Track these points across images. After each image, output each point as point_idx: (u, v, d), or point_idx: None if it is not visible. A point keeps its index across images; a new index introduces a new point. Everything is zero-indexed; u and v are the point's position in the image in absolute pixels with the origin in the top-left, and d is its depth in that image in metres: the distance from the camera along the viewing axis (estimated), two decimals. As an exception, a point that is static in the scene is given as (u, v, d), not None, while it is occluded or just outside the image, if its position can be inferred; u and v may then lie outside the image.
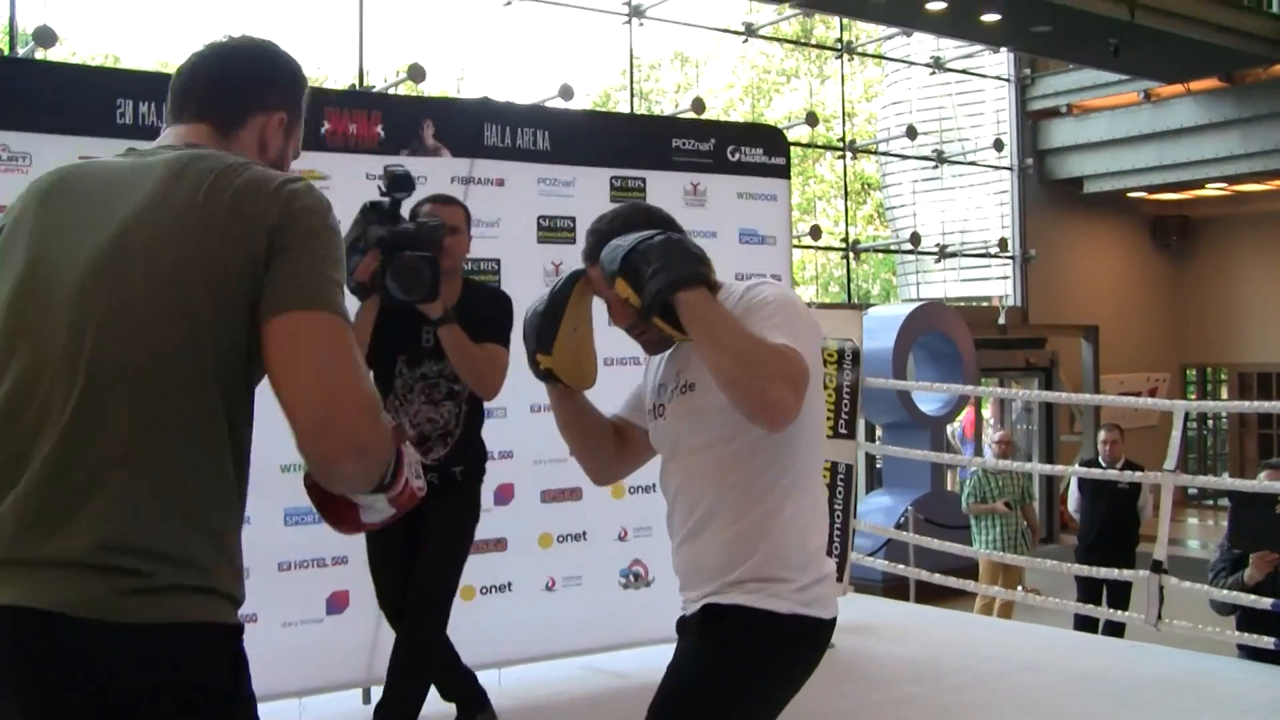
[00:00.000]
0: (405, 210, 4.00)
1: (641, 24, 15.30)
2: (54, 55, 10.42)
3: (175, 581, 1.88)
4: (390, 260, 3.77)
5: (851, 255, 18.86)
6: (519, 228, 5.65)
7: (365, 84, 13.17)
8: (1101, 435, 9.75)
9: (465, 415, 4.41)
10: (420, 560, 4.41)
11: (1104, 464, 9.54)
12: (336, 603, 5.17)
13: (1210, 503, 22.38)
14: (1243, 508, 6.81)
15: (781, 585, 2.72)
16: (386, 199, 3.85)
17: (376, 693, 5.30)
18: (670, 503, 2.93)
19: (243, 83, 2.31)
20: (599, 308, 2.88)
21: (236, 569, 2.01)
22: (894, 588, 10.84)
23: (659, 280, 2.58)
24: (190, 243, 1.98)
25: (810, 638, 2.81)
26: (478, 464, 4.54)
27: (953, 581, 8.21)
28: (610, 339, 3.10)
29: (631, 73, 16.99)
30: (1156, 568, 6.89)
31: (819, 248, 19.94)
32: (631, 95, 17.37)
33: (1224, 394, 22.48)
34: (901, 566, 8.78)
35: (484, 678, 5.63)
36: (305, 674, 5.11)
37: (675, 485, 2.89)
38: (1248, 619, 6.67)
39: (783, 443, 2.72)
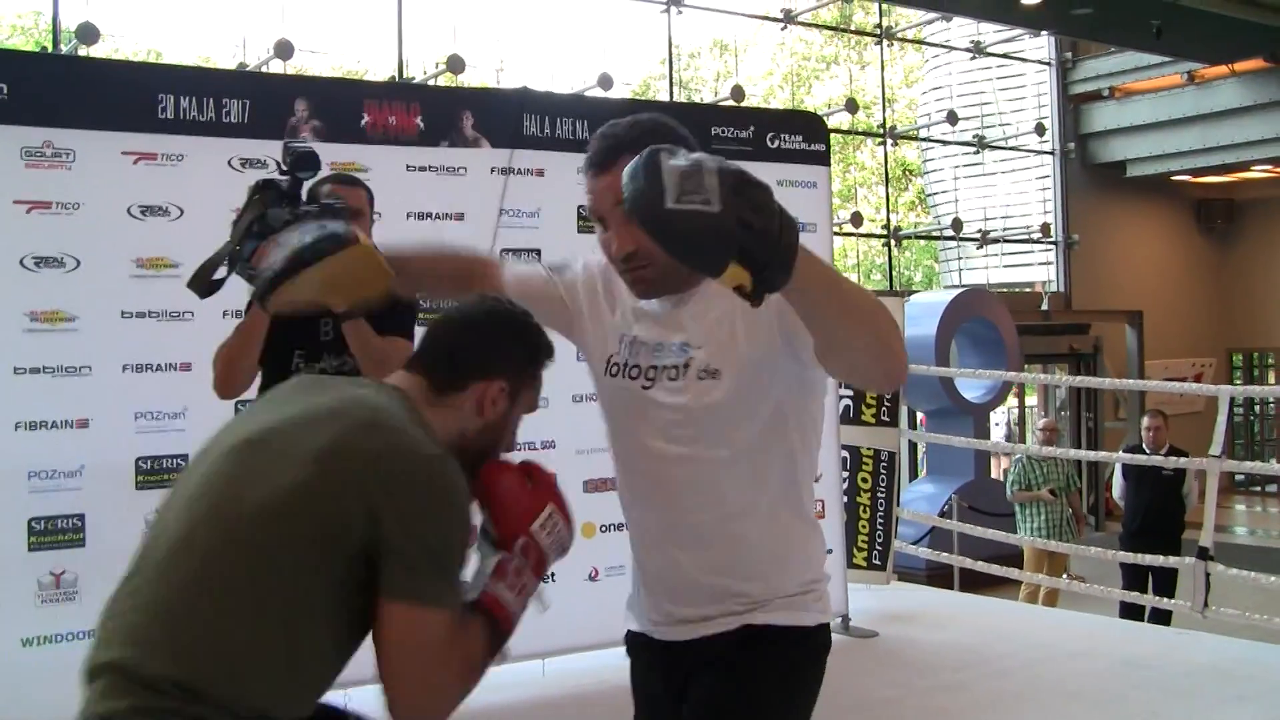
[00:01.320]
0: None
1: (680, 12, 15.27)
2: (96, 52, 10.48)
3: None
4: None
5: (893, 242, 18.79)
6: (559, 218, 5.66)
7: (405, 75, 13.21)
8: (1145, 421, 9.69)
9: None
10: None
11: (1148, 450, 9.48)
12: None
13: (1258, 489, 22.21)
14: None
15: (804, 597, 2.51)
16: (286, 178, 3.58)
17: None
18: (643, 495, 2.57)
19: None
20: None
21: None
22: (938, 576, 10.81)
23: (780, 249, 1.86)
24: None
25: (829, 640, 2.59)
26: None
27: (997, 569, 8.19)
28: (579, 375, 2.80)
29: (671, 61, 16.95)
30: (1203, 554, 6.85)
31: (860, 235, 19.86)
32: (670, 84, 17.33)
33: (1271, 379, 22.28)
34: (945, 555, 8.76)
35: (528, 668, 5.66)
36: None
37: (658, 478, 2.51)
38: None
39: (796, 440, 2.46)
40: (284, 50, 11.94)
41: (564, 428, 5.55)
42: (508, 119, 5.62)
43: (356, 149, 5.15)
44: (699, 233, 1.83)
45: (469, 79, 13.67)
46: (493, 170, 5.51)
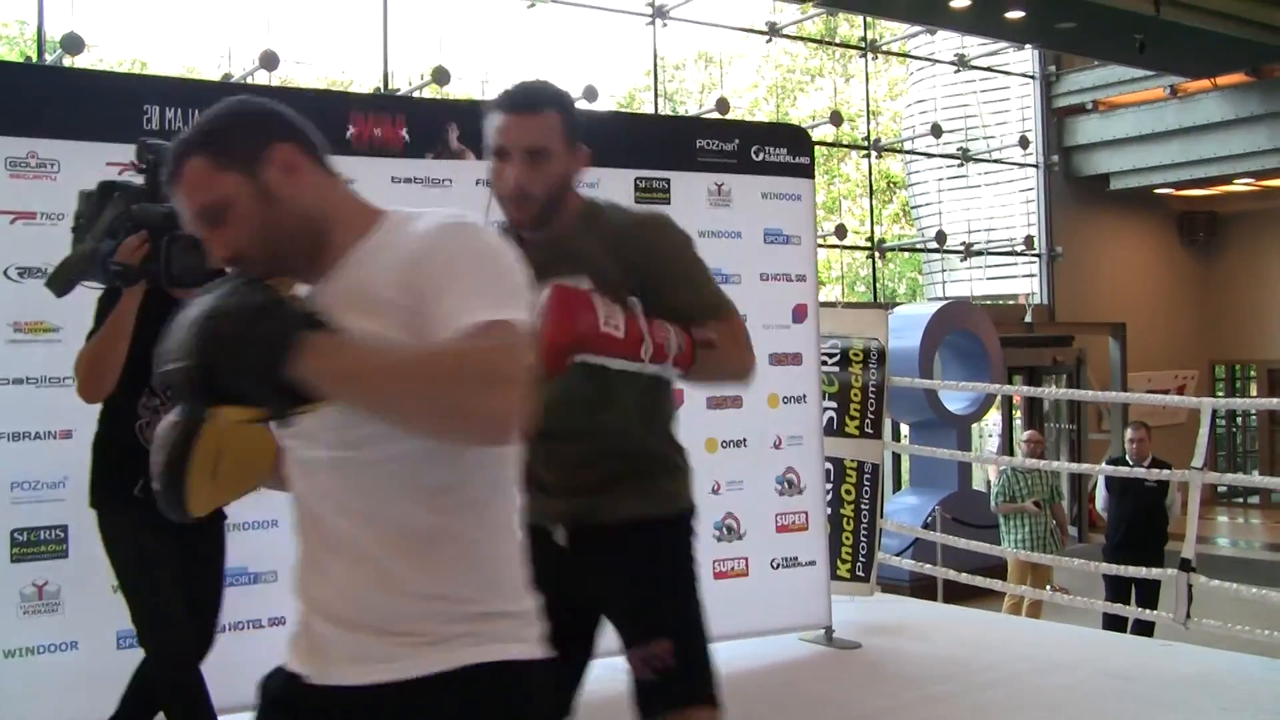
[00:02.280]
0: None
1: (665, 25, 15.31)
2: (81, 62, 10.48)
3: None
4: (170, 242, 3.36)
5: (877, 254, 18.84)
6: (543, 230, 5.67)
7: (390, 87, 13.22)
8: (1128, 433, 9.71)
9: None
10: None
11: (1131, 462, 9.50)
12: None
13: (1240, 500, 22.28)
14: None
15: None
16: (143, 177, 3.47)
17: None
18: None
19: None
20: None
21: None
22: (921, 587, 10.82)
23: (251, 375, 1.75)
24: None
25: None
26: None
27: (980, 581, 8.20)
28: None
29: (656, 73, 16.99)
30: (1185, 566, 6.87)
31: (844, 247, 19.89)
32: (655, 96, 17.36)
33: (1253, 391, 22.36)
34: (929, 566, 8.76)
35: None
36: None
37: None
38: None
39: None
40: (269, 61, 11.95)
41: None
42: (493, 131, 5.63)
43: (342, 161, 5.13)
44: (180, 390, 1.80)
45: (454, 91, 13.68)
46: (478, 182, 5.49)
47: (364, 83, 20.51)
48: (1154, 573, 7.69)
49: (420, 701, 1.95)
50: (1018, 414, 19.95)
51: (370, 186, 5.13)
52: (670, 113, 24.30)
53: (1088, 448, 19.38)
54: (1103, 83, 19.37)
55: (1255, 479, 14.70)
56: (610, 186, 5.76)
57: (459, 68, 15.39)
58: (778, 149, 6.30)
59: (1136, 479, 9.14)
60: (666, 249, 2.98)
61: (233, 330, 1.73)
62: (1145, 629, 8.70)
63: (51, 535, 4.79)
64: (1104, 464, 10.89)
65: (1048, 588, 10.04)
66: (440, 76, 13.02)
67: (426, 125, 5.48)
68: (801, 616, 6.39)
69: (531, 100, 2.92)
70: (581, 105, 12.99)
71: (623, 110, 21.64)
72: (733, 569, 6.02)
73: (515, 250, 2.00)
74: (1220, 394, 22.05)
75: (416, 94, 13.48)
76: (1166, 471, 8.66)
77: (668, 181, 5.94)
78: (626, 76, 26.97)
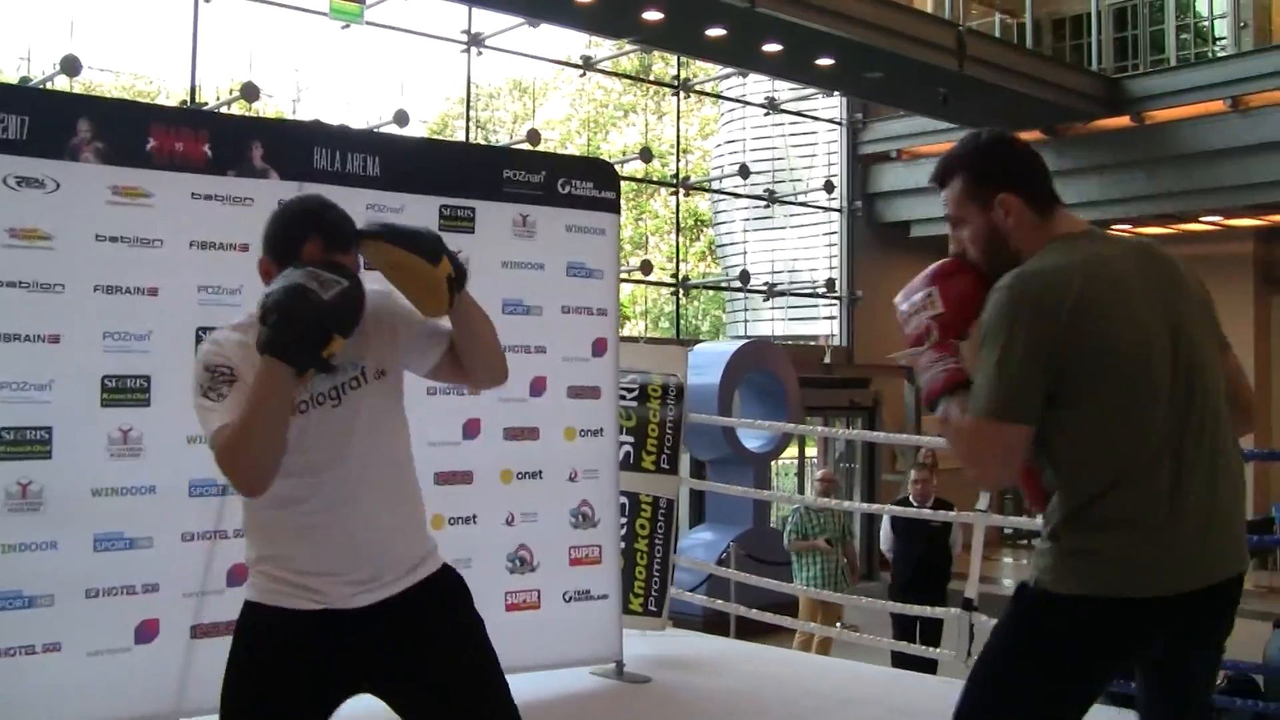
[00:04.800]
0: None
1: (480, 53, 15.31)
2: None
3: None
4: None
5: (681, 291, 19.04)
6: (346, 253, 5.59)
7: (198, 100, 12.96)
8: (912, 475, 9.96)
9: None
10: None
11: (915, 503, 9.73)
12: (145, 631, 5.05)
13: (1025, 542, 22.90)
14: None
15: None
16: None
17: (185, 725, 5.21)
18: (331, 481, 2.98)
19: None
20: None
21: None
22: (714, 623, 10.90)
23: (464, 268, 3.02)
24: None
25: None
26: None
27: (772, 617, 8.29)
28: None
29: (469, 101, 16.97)
30: (967, 605, 7.04)
31: (649, 283, 20.08)
32: (468, 124, 17.34)
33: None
34: (721, 602, 8.84)
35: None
36: (112, 705, 4.97)
37: (342, 463, 2.99)
38: None
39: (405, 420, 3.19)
40: (71, 66, 11.63)
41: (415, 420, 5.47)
42: (298, 151, 5.52)
43: (140, 174, 5.02)
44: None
45: (264, 108, 13.48)
46: (280, 203, 5.42)
47: (173, 94, 20.11)
48: (938, 612, 7.87)
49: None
50: (814, 452, 20.28)
51: (169, 201, 5.08)
52: (483, 141, 24.27)
53: (881, 488, 19.79)
54: (907, 132, 19.86)
55: (1039, 522, 15.16)
56: (415, 213, 5.72)
57: (272, 85, 15.16)
58: (584, 183, 6.31)
59: (923, 520, 9.35)
60: None
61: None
62: (931, 666, 8.89)
63: (36, 436, 4.82)
64: (889, 506, 11.13)
65: (837, 625, 10.21)
66: (249, 92, 12.83)
67: (230, 142, 5.36)
68: (593, 650, 6.38)
69: (939, 173, 3.21)
70: (391, 130, 12.93)
71: (431, 137, 21.54)
72: (525, 601, 6.00)
73: None
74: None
75: (224, 109, 13.24)
76: (951, 514, 8.87)
77: (473, 210, 5.91)
78: (441, 103, 26.87)
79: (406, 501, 3.13)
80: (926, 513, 9.13)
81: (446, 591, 3.13)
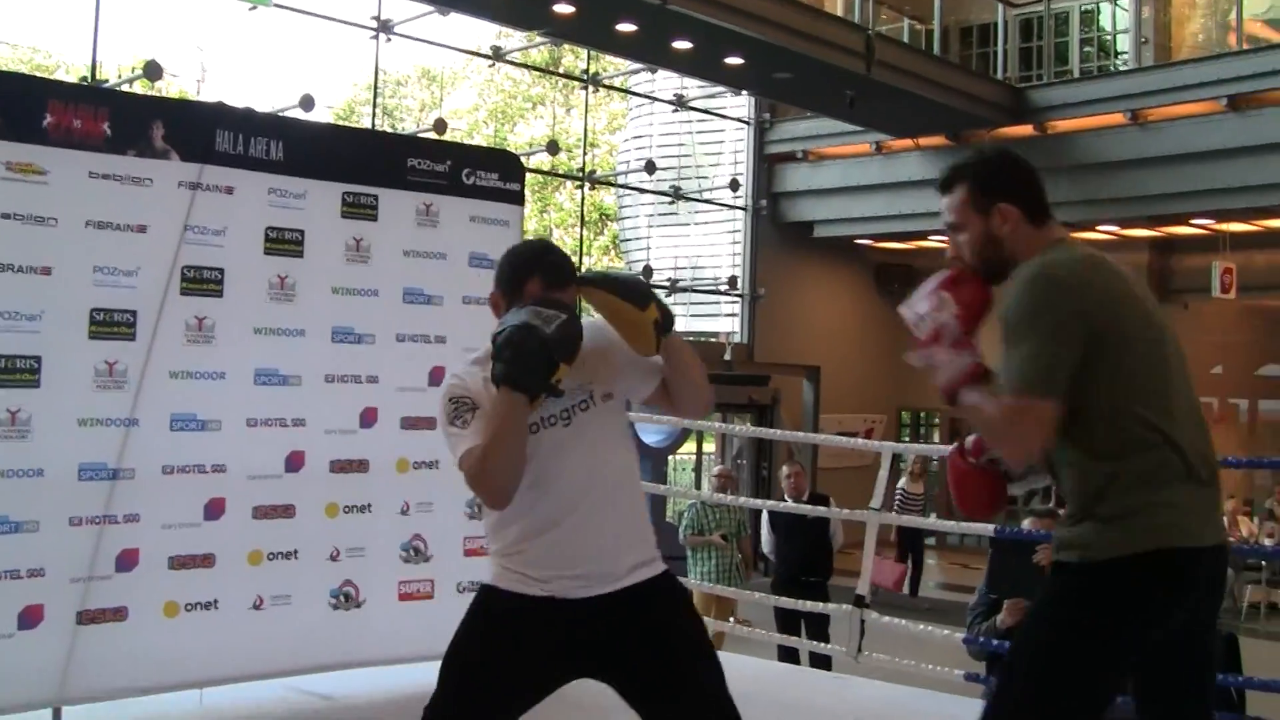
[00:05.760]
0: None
1: (389, 40, 15.20)
2: None
3: None
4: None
5: (585, 285, 19.01)
6: (246, 237, 5.52)
7: (99, 77, 12.75)
8: (784, 470, 10.05)
9: None
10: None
11: (789, 498, 9.82)
12: (29, 617, 4.97)
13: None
14: (1002, 554, 6.90)
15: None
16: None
17: (69, 713, 5.13)
18: (562, 491, 3.35)
19: None
20: None
21: None
22: (608, 616, 10.91)
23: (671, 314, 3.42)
24: None
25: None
26: None
27: (665, 612, 8.31)
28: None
29: (376, 88, 16.84)
30: (859, 602, 7.11)
31: (554, 275, 20.01)
32: (375, 111, 17.22)
33: (936, 438, 23.33)
34: (615, 595, 8.84)
35: (185, 698, 5.50)
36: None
37: (568, 476, 3.35)
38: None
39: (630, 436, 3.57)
40: (-34, 40, 11.39)
41: (236, 452, 5.43)
42: (200, 133, 5.46)
43: (36, 150, 4.93)
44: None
45: (167, 87, 13.29)
46: (180, 184, 5.35)
47: (75, 69, 19.77)
48: (829, 607, 7.94)
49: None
50: (712, 449, 20.36)
51: (65, 180, 5.01)
52: (389, 129, 24.11)
53: (777, 485, 19.90)
54: (813, 134, 19.98)
55: (931, 521, 15.37)
56: (317, 199, 5.68)
57: (176, 64, 14.96)
58: (489, 173, 6.28)
59: (800, 515, 9.42)
60: None
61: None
62: (823, 662, 8.97)
63: (26, 365, 4.86)
64: (765, 505, 11.24)
65: (730, 619, 10.26)
66: (152, 71, 12.64)
67: (131, 121, 5.29)
68: (487, 641, 6.37)
69: (945, 180, 3.50)
70: (296, 114, 12.81)
71: (336, 123, 21.35)
72: (418, 591, 5.96)
73: None
74: (905, 439, 22.93)
75: (126, 87, 13.04)
76: (843, 510, 8.94)
77: (376, 198, 5.86)
78: (348, 89, 26.63)
79: (626, 511, 3.48)
80: (821, 510, 9.21)
81: (663, 592, 3.49)
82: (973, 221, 3.39)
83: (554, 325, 3.19)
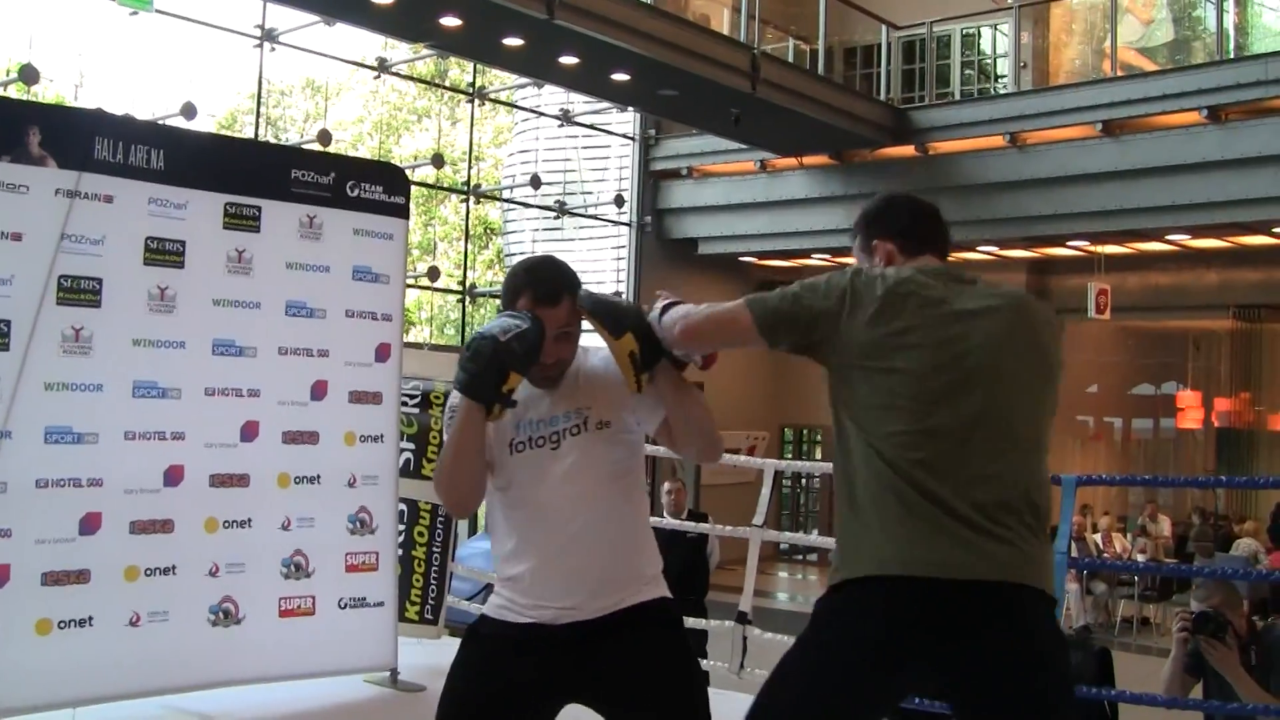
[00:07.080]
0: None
1: (273, 49, 15.04)
2: None
3: None
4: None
5: (468, 299, 18.96)
6: (125, 247, 5.43)
7: (-29, 82, 12.49)
8: (665, 486, 10.09)
9: None
10: None
11: (668, 514, 9.88)
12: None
13: (800, 558, 23.37)
14: None
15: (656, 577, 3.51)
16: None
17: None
18: (544, 517, 3.35)
19: None
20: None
21: None
22: (491, 632, 10.86)
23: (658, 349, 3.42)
24: None
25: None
26: None
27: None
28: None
29: (260, 97, 16.66)
30: (742, 619, 7.15)
31: (436, 289, 19.96)
32: (258, 121, 17.03)
33: (818, 454, 23.53)
34: (499, 611, 8.81)
35: (57, 717, 5.38)
36: None
37: (553, 501, 3.34)
38: None
39: (637, 467, 3.51)
40: None
41: (113, 465, 5.34)
42: (79, 140, 5.36)
43: (-96, 157, 4.84)
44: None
45: (44, 92, 13.05)
46: (57, 192, 5.25)
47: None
48: (703, 623, 7.97)
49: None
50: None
51: (-67, 188, 4.85)
52: (273, 139, 23.86)
53: (658, 501, 19.93)
54: (698, 151, 20.06)
55: (813, 538, 15.52)
56: (199, 210, 5.61)
57: (51, 68, 14.69)
58: (373, 186, 6.24)
59: (680, 532, 9.47)
60: None
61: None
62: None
63: None
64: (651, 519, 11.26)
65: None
66: (28, 75, 12.40)
67: (6, 125, 5.18)
68: (368, 658, 6.31)
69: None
70: (178, 123, 12.63)
71: (219, 133, 21.06)
72: (299, 607, 5.89)
73: None
74: (789, 456, 23.11)
75: (0, 91, 12.78)
76: (724, 528, 8.99)
77: (259, 209, 5.80)
78: (231, 98, 26.28)
79: (617, 542, 3.44)
80: (689, 524, 9.25)
81: (652, 621, 3.45)
82: (860, 259, 3.61)
83: (510, 334, 3.22)
